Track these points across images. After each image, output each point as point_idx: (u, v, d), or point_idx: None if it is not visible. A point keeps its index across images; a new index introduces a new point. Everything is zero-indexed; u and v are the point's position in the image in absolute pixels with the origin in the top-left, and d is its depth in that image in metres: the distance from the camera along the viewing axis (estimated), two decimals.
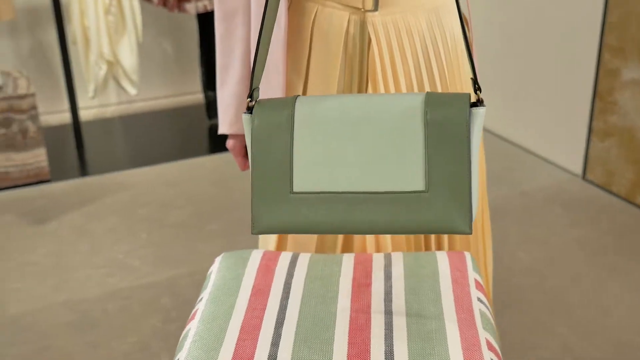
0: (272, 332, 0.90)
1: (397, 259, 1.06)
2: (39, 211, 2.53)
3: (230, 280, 1.03)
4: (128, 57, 3.07)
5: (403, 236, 1.19)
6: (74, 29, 3.02)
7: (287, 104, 0.88)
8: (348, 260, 1.07)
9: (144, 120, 3.47)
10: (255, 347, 0.88)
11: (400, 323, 0.91)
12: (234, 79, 1.17)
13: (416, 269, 1.03)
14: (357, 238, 1.19)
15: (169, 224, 2.42)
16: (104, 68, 3.06)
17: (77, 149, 3.12)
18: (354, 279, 1.01)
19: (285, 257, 1.08)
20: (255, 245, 1.88)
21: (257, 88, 0.92)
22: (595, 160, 2.62)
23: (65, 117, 3.33)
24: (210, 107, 3.33)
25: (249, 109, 0.90)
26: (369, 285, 1.00)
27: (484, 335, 0.91)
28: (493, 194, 2.55)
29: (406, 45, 1.10)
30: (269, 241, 1.25)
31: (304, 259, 1.07)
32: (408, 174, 0.84)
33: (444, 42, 1.13)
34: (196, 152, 3.06)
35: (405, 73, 1.11)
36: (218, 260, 1.10)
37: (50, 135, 3.17)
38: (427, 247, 1.22)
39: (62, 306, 1.98)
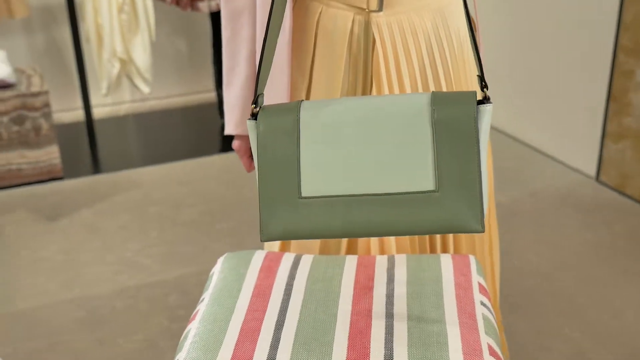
0: (272, 334, 0.90)
1: (401, 261, 1.05)
2: (51, 208, 2.55)
3: (231, 282, 1.03)
4: (141, 55, 3.09)
5: (408, 237, 1.17)
6: (87, 27, 3.04)
7: (292, 109, 0.88)
8: (351, 262, 1.06)
9: (156, 118, 3.48)
10: (254, 350, 0.87)
11: (401, 327, 0.90)
12: (239, 80, 1.17)
13: (419, 272, 1.02)
14: (361, 239, 1.18)
15: (180, 223, 2.43)
16: (117, 66, 3.07)
17: (89, 147, 3.13)
18: (356, 282, 1.00)
19: (287, 258, 1.07)
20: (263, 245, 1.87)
21: (262, 94, 0.92)
22: (609, 162, 2.59)
23: (79, 114, 3.35)
24: (223, 105, 3.33)
25: (254, 115, 0.90)
26: (370, 288, 0.99)
27: (486, 340, 0.90)
28: (503, 195, 2.53)
29: (411, 46, 1.09)
30: (273, 242, 1.24)
31: (306, 261, 1.07)
32: (417, 174, 0.83)
33: (449, 42, 1.12)
34: (208, 150, 3.06)
35: (410, 73, 1.10)
36: (220, 260, 1.10)
37: (63, 133, 3.19)
38: (432, 249, 1.21)
39: (71, 302, 1.99)
